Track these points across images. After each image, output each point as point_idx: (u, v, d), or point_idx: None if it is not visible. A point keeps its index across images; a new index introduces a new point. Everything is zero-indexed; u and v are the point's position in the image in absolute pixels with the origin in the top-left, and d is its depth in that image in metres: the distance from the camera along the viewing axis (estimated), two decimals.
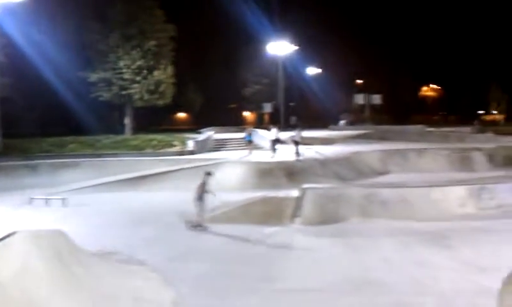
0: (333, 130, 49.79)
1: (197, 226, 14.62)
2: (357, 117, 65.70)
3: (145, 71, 41.21)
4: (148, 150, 32.31)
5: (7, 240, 7.52)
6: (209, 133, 37.53)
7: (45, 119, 44.29)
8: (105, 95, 41.67)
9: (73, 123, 41.87)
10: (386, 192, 16.70)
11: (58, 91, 40.36)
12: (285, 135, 35.61)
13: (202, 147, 32.82)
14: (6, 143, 31.50)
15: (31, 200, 19.22)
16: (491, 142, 33.15)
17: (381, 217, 15.10)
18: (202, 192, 14.89)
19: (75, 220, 15.73)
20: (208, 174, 15.48)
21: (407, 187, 17.95)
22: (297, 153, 26.31)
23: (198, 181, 15.35)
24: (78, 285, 8.15)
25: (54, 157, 28.90)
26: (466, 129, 46.38)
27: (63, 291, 7.65)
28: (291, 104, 65.14)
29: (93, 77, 40.85)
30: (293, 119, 56.31)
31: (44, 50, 38.31)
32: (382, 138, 38.62)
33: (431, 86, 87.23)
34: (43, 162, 26.94)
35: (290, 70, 61.73)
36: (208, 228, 14.62)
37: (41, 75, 39.36)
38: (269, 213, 16.98)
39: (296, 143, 26.75)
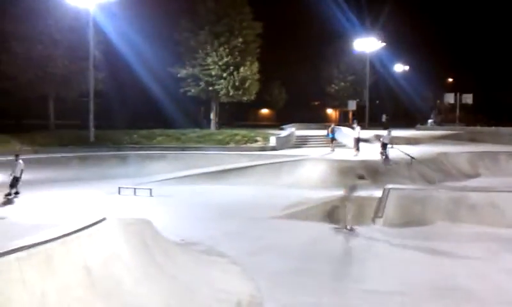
0: (420, 129, 48.16)
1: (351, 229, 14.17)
2: (446, 117, 63.06)
3: (232, 68, 41.90)
4: (232, 145, 32.87)
5: (96, 226, 7.88)
6: (291, 130, 37.50)
7: (135, 113, 46.26)
8: (193, 90, 42.88)
9: (161, 116, 43.45)
10: (474, 196, 15.93)
11: (149, 86, 42.11)
12: (370, 133, 34.98)
13: (284, 143, 32.91)
14: (99, 134, 33.32)
15: (119, 189, 20.16)
16: None
17: (469, 222, 14.44)
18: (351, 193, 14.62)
19: (160, 210, 16.33)
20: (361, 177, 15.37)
21: (497, 191, 17.01)
22: (386, 157, 24.60)
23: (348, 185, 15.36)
24: (161, 273, 8.42)
25: (143, 149, 30.21)
26: None
27: (147, 279, 7.92)
28: (377, 102, 63.76)
29: (182, 72, 42.16)
30: (384, 117, 54.94)
31: (136, 46, 40.06)
32: (472, 139, 36.88)
33: None
34: (132, 153, 28.25)
35: (377, 67, 60.43)
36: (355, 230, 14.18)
37: (133, 71, 41.25)
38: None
39: (384, 146, 24.86)
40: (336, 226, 14.41)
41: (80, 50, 34.85)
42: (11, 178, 18.84)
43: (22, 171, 19.07)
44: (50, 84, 36.15)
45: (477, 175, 25.13)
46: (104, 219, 8.18)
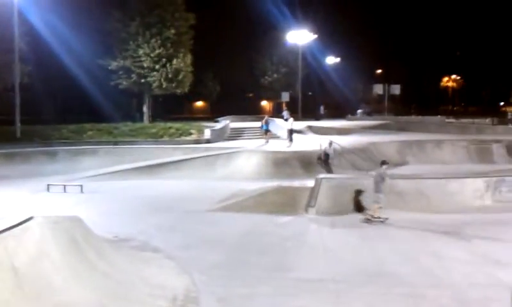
0: (351, 120, 49.52)
1: (375, 219, 14.00)
2: (375, 107, 65.19)
3: (164, 60, 41.37)
4: (166, 138, 32.55)
5: (24, 225, 7.61)
6: (226, 122, 37.60)
7: (64, 107, 44.83)
8: (125, 83, 42.01)
9: (92, 110, 42.29)
10: (402, 183, 16.57)
11: (78, 79, 40.81)
12: (303, 124, 35.60)
13: (219, 136, 32.95)
14: (26, 130, 31.99)
15: (48, 186, 19.49)
16: (511, 134, 32.71)
17: (397, 209, 14.95)
18: (380, 181, 14.28)
19: (92, 206, 15.94)
20: (384, 163, 15.06)
21: (424, 178, 17.79)
22: (328, 167, 23.91)
23: (374, 172, 15.24)
24: (93, 271, 8.24)
25: (73, 144, 29.32)
26: (486, 121, 45.78)
27: (78, 277, 7.73)
28: (310, 93, 64.89)
29: (113, 64, 41.18)
30: (322, 109, 55.97)
31: (65, 37, 38.67)
32: (400, 129, 38.37)
33: (452, 76, 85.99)
34: (61, 149, 27.34)
35: (310, 59, 61.46)
36: (387, 219, 13.99)
37: (61, 63, 39.83)
38: (284, 202, 17.06)
39: (327, 157, 24.00)
40: (365, 216, 14.45)
41: (4, 42, 33.19)
42: None
43: None
44: None
45: (405, 163, 26.19)
46: (30, 218, 7.91)
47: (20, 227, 7.57)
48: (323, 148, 24.25)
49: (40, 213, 8.61)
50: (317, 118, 50.05)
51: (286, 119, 32.66)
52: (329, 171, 23.00)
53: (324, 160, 23.65)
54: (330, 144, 24.24)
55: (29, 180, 21.42)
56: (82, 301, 7.24)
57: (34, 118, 36.97)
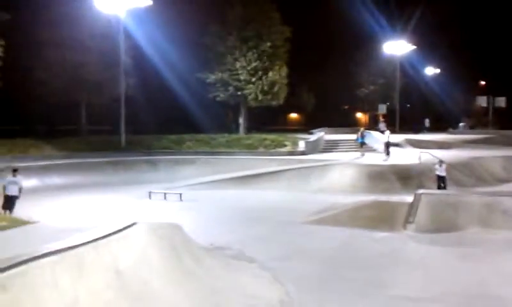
0: (452, 133, 47.39)
1: None
2: (479, 120, 61.93)
3: (260, 72, 41.98)
4: (261, 149, 32.93)
5: (127, 230, 7.99)
6: (320, 134, 37.35)
7: (165, 118, 46.69)
8: (222, 95, 43.07)
9: (190, 121, 43.74)
10: (508, 202, 15.55)
11: (178, 91, 42.43)
12: (400, 137, 34.59)
13: (313, 148, 32.80)
14: (129, 139, 33.79)
15: (150, 194, 20.40)
16: None
17: (502, 228, 14.08)
18: None
19: (190, 214, 16.44)
20: None
21: None
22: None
23: None
24: (190, 278, 8.46)
25: (173, 154, 30.52)
26: None
27: (176, 283, 7.97)
28: (408, 106, 63.00)
29: (211, 77, 42.40)
30: (427, 122, 54.18)
31: (166, 51, 40.43)
32: (506, 143, 36.07)
33: None
34: (162, 158, 28.60)
35: (408, 71, 59.75)
36: None
37: (162, 76, 41.66)
38: (380, 217, 16.62)
39: (442, 179, 21.44)
40: None
41: (111, 57, 35.38)
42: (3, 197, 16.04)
43: (20, 190, 16.24)
44: (82, 90, 36.78)
45: (510, 180, 24.57)
46: (134, 224, 8.29)
47: (124, 232, 7.94)
48: (435, 169, 21.89)
49: (142, 219, 9.01)
50: (417, 131, 48.36)
51: (383, 132, 31.83)
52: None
53: (438, 186, 21.19)
54: (440, 163, 21.85)
55: (132, 187, 22.56)
56: (179, 306, 7.46)
57: (137, 128, 38.96)
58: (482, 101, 58.86)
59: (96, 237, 7.18)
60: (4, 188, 16.04)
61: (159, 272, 7.81)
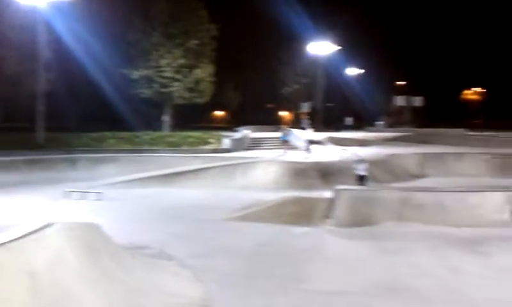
0: (372, 131, 49.24)
1: None
2: (396, 119, 64.78)
3: (186, 70, 41.70)
4: (185, 147, 32.71)
5: (42, 231, 7.71)
6: (245, 132, 37.67)
7: (87, 114, 45.40)
8: (146, 92, 42.47)
9: (114, 118, 42.79)
10: (421, 196, 16.39)
11: (101, 87, 41.42)
12: (323, 135, 35.51)
13: (238, 145, 33.01)
14: (49, 136, 32.52)
15: (68, 193, 19.70)
16: None
17: (416, 221, 14.82)
18: None
19: (109, 214, 16.04)
20: None
21: (443, 191, 17.55)
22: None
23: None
24: (109, 278, 8.30)
25: (94, 152, 29.64)
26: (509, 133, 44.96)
27: (94, 284, 7.79)
28: (330, 105, 64.74)
29: (135, 74, 41.64)
30: (350, 121, 55.85)
31: (89, 46, 39.31)
32: (421, 141, 37.95)
33: (475, 89, 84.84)
34: (82, 156, 27.68)
35: (331, 70, 61.37)
36: None
37: (85, 71, 40.47)
38: (301, 213, 17.00)
39: (362, 178, 21.46)
40: None
41: (30, 49, 33.83)
42: None
43: None
44: None
45: (424, 176, 25.88)
46: (49, 224, 8.01)
47: (38, 232, 7.66)
48: (355, 168, 22.07)
49: (58, 220, 8.71)
50: (338, 129, 49.90)
51: (305, 129, 32.60)
52: None
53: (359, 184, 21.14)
54: (360, 162, 22.15)
55: (50, 186, 21.67)
56: None
57: (57, 125, 37.55)
58: (400, 100, 61.55)
59: (9, 239, 6.89)
60: None
61: (76, 273, 7.60)
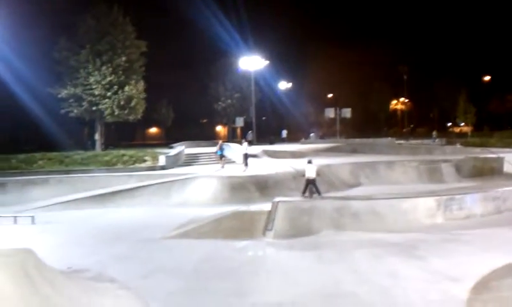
0: (304, 143, 50.18)
1: None
2: (328, 130, 66.46)
3: (116, 87, 40.94)
4: (119, 166, 32.00)
5: None
6: (181, 148, 37.39)
7: (14, 136, 43.57)
8: (76, 111, 41.31)
9: (42, 139, 41.29)
10: (356, 205, 16.88)
11: (27, 107, 39.80)
12: (258, 148, 35.79)
13: (174, 162, 32.69)
14: None
15: None
16: (458, 153, 33.85)
17: (353, 229, 15.21)
18: None
19: (44, 238, 15.45)
20: None
21: (377, 198, 18.15)
22: (311, 193, 20.38)
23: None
24: (45, 304, 7.96)
25: (23, 174, 28.44)
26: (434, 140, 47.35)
27: None
28: (263, 118, 65.59)
29: (63, 92, 40.43)
30: (285, 133, 56.73)
31: (12, 66, 37.76)
32: (353, 151, 39.13)
33: (401, 99, 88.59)
34: (11, 180, 26.47)
35: (262, 85, 62.22)
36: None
37: (9, 91, 38.76)
38: (241, 227, 17.00)
39: (312, 182, 20.36)
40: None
41: None
42: None
43: None
44: None
45: (358, 185, 26.64)
46: None
47: None
48: (304, 172, 20.80)
49: None
50: (272, 142, 50.55)
51: (241, 144, 32.81)
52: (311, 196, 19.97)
53: (309, 190, 20.26)
54: (309, 162, 20.80)
55: None
56: None
57: None
58: (329, 112, 63.16)
59: None
60: None
61: (11, 302, 7.24)
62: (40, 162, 32.16)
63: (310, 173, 20.32)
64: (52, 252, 12.05)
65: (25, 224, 18.30)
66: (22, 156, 32.96)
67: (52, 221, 18.71)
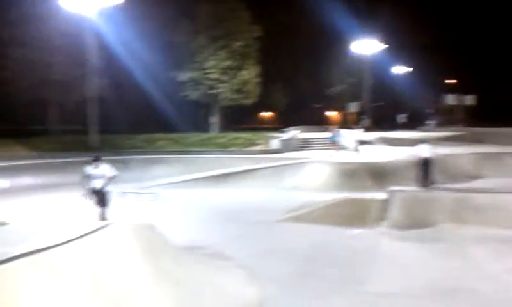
0: (422, 131, 48.06)
1: None
2: (447, 118, 63.07)
3: (232, 71, 41.92)
4: (234, 148, 32.82)
5: (101, 231, 7.83)
6: (294, 133, 37.46)
7: (137, 117, 46.30)
8: (193, 94, 42.93)
9: (162, 120, 43.47)
10: (479, 198, 15.83)
11: (149, 91, 42.13)
12: (373, 135, 34.93)
13: (286, 146, 32.86)
14: (102, 139, 33.34)
15: (123, 194, 20.07)
16: None
17: (473, 224, 14.29)
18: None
19: (164, 214, 16.25)
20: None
21: (502, 192, 16.91)
22: (427, 178, 19.34)
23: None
24: (168, 279, 8.33)
25: (144, 153, 30.18)
26: None
27: (154, 285, 7.83)
28: (378, 104, 63.77)
29: (182, 76, 42.14)
30: (403, 118, 54.95)
31: (136, 50, 40.07)
32: (476, 141, 36.69)
33: None
34: (134, 158, 28.21)
35: (377, 69, 60.39)
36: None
37: (133, 75, 41.26)
38: (353, 215, 16.68)
39: (426, 163, 19.48)
40: None
41: (79, 56, 34.82)
42: None
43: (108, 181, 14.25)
44: (50, 89, 36.14)
45: (480, 176, 24.98)
46: (109, 224, 8.14)
47: (98, 232, 7.78)
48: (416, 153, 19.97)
49: (116, 219, 8.84)
50: (389, 128, 48.94)
51: (355, 130, 32.20)
52: (428, 182, 19.03)
53: (423, 173, 19.16)
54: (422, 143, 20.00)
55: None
56: None
57: (109, 128, 38.48)
58: (450, 99, 59.90)
59: (70, 238, 7.01)
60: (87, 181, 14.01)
61: (136, 273, 7.67)
62: (160, 142, 33.94)
63: (424, 153, 19.52)
64: (171, 228, 12.63)
65: (146, 200, 19.39)
66: (143, 136, 34.97)
67: (171, 198, 19.61)
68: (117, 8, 33.95)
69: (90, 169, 14.03)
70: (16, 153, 28.44)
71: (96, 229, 7.78)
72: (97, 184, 13.88)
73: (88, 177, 13.95)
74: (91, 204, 13.85)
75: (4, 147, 29.23)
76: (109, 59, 39.01)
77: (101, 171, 14.02)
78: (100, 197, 13.89)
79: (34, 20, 34.14)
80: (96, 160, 14.21)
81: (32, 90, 35.39)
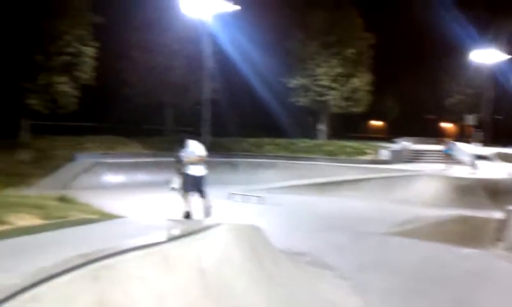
0: None
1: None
2: None
3: (342, 79, 41.59)
4: (342, 157, 32.52)
5: (211, 229, 8.07)
6: (405, 143, 36.33)
7: (246, 121, 47.34)
8: (302, 100, 43.08)
9: (271, 125, 44.08)
10: None
11: (260, 95, 42.90)
12: (491, 150, 32.96)
13: (397, 157, 31.98)
14: (212, 141, 34.53)
15: (230, 195, 20.64)
16: None
17: None
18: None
19: (268, 218, 16.42)
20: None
21: None
22: None
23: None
24: (269, 280, 8.40)
25: (252, 157, 30.83)
26: None
27: (256, 285, 7.93)
28: (498, 117, 59.93)
29: (292, 82, 42.51)
30: None
31: (248, 55, 41.00)
32: None
33: None
34: (242, 161, 28.93)
35: (498, 81, 56.78)
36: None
37: (245, 79, 42.25)
38: (466, 233, 15.83)
39: None
40: None
41: (196, 60, 36.35)
42: None
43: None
44: (168, 92, 38.04)
45: None
46: (218, 224, 8.37)
47: (207, 231, 8.03)
48: None
49: (223, 219, 9.08)
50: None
51: (471, 144, 30.54)
52: None
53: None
54: None
55: (213, 187, 22.82)
56: None
57: (219, 130, 39.78)
58: None
59: (181, 234, 7.31)
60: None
61: (240, 272, 7.81)
62: (268, 147, 34.52)
63: None
64: (275, 232, 12.67)
65: (254, 203, 19.76)
66: (253, 140, 35.72)
67: (276, 203, 19.82)
68: (231, 14, 35.02)
69: (181, 153, 13.87)
70: (133, 151, 30.27)
71: (206, 227, 8.04)
72: (192, 170, 13.65)
73: (180, 161, 13.84)
74: (181, 196, 14.08)
75: (123, 145, 31.24)
76: (223, 63, 40.34)
77: (191, 150, 13.80)
78: (195, 183, 13.64)
79: (156, 26, 36.14)
80: (183, 141, 13.95)
81: (151, 93, 37.46)
